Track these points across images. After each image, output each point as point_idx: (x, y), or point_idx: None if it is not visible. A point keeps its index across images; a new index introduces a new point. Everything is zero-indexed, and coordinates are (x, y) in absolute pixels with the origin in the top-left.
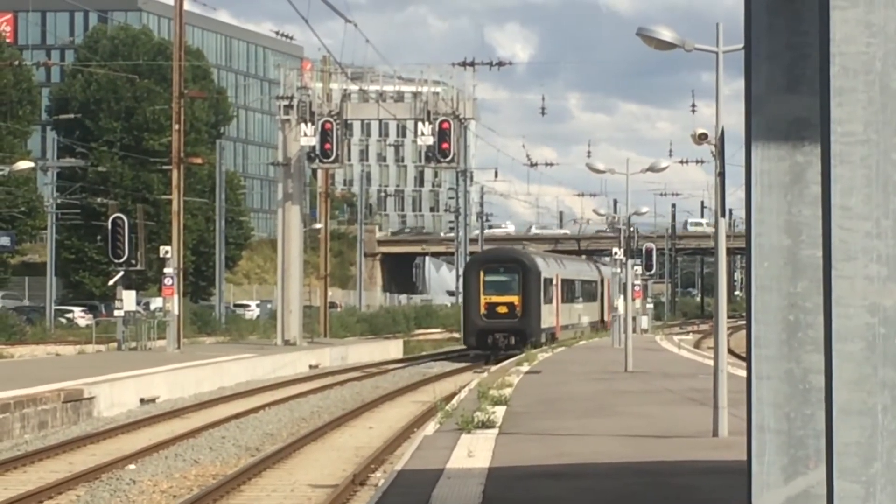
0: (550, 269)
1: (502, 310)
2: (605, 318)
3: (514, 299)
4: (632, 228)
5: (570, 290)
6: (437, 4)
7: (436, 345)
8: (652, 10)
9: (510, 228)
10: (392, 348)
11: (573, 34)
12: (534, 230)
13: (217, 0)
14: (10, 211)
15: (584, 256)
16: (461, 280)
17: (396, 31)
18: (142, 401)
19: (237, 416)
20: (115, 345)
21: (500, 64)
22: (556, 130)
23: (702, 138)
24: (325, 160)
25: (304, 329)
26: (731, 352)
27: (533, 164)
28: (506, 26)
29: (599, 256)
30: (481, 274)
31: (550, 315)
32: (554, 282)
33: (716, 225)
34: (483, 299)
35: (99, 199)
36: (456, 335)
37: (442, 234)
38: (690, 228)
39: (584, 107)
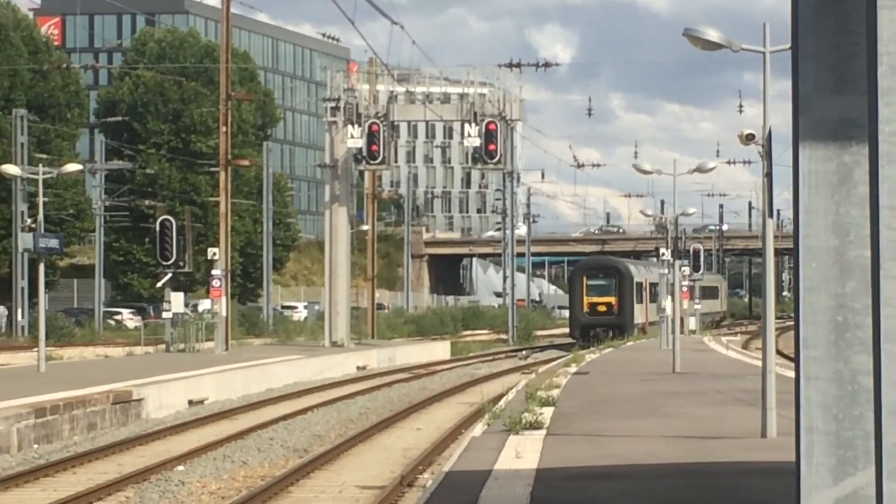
0: (640, 274)
1: (602, 308)
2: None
3: (612, 300)
4: (679, 228)
5: (655, 292)
6: (478, 5)
7: (483, 346)
8: (689, 10)
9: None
10: (439, 349)
11: (613, 35)
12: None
13: (259, 2)
14: (58, 213)
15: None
16: (567, 283)
17: (437, 32)
18: (190, 402)
19: (285, 417)
20: (163, 346)
21: (547, 65)
22: (599, 131)
23: (749, 139)
24: (371, 162)
25: (352, 330)
26: (779, 353)
27: (580, 165)
28: (545, 27)
29: (647, 257)
30: (584, 279)
31: (641, 312)
32: (643, 285)
33: (763, 226)
34: (586, 300)
35: (147, 202)
36: (503, 336)
37: (485, 235)
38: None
39: (627, 107)
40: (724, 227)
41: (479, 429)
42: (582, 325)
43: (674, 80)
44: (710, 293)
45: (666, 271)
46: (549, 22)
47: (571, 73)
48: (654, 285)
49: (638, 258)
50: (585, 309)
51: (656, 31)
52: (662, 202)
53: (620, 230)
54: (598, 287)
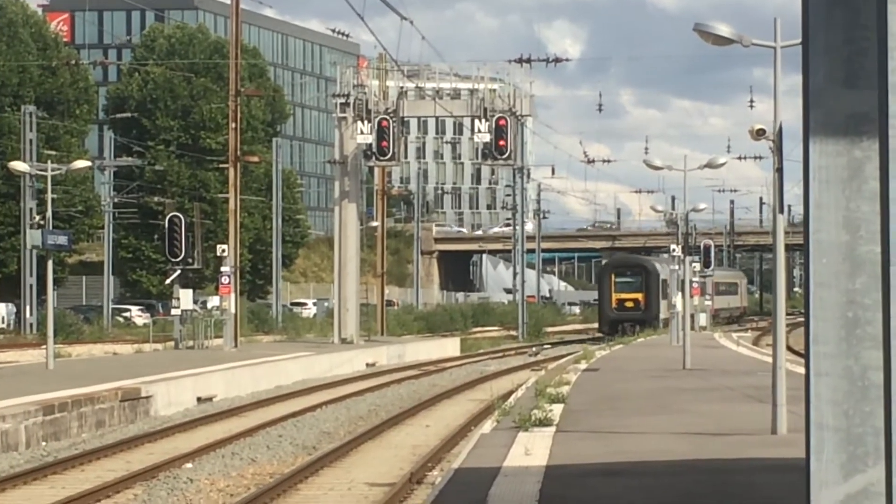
0: (665, 271)
1: (629, 304)
2: (711, 308)
3: (639, 296)
4: (690, 224)
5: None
6: (486, 1)
7: (493, 342)
8: (697, 5)
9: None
10: (449, 346)
11: (622, 30)
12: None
13: None
14: (67, 210)
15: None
16: (595, 281)
17: (446, 28)
18: (199, 399)
19: (294, 414)
20: (172, 343)
21: (557, 60)
22: (609, 127)
23: (759, 134)
24: (381, 158)
25: (361, 327)
26: (789, 349)
27: (590, 161)
28: (554, 23)
29: (658, 253)
30: (612, 276)
31: (666, 308)
32: (669, 282)
33: (774, 221)
34: (614, 296)
35: (156, 198)
36: (513, 332)
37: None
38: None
39: (637, 103)
40: (736, 222)
41: (488, 426)
42: (611, 320)
43: (683, 75)
44: (729, 289)
45: (677, 267)
46: (558, 17)
47: (581, 68)
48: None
49: (649, 254)
50: (614, 305)
51: (665, 27)
52: (673, 198)
53: (613, 227)
54: (625, 284)
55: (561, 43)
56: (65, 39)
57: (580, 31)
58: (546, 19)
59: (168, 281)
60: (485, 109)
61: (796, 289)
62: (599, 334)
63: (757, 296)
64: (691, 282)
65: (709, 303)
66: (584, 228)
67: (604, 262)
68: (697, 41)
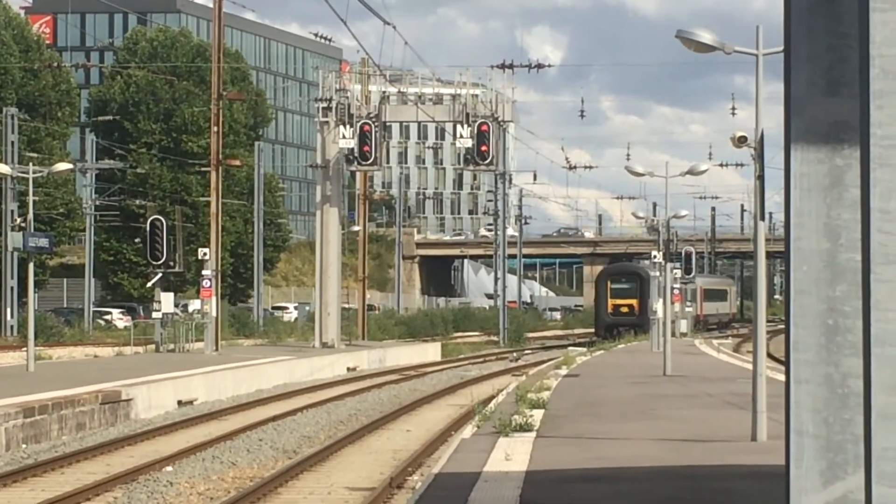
0: None
1: (625, 309)
2: (699, 313)
3: (634, 302)
4: (671, 231)
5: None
6: (467, 6)
7: (474, 347)
8: (677, 12)
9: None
10: (430, 351)
11: (602, 37)
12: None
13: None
14: (48, 213)
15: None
16: (592, 287)
17: (427, 33)
18: (179, 403)
19: (275, 418)
20: (153, 347)
21: (540, 66)
22: (589, 133)
23: (741, 141)
24: (363, 162)
25: (342, 332)
26: (770, 356)
27: (572, 167)
28: (534, 29)
29: (638, 259)
30: (608, 283)
31: None
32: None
33: (755, 228)
34: (610, 302)
35: (137, 201)
36: (494, 338)
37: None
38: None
39: (617, 109)
40: (717, 229)
41: (468, 431)
42: (606, 324)
43: (664, 82)
44: (719, 295)
45: (658, 274)
46: (538, 23)
47: (561, 74)
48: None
49: (630, 260)
50: (609, 310)
51: (645, 34)
52: (655, 204)
53: (579, 233)
54: (621, 290)
55: (541, 49)
56: (47, 42)
57: (560, 38)
58: (526, 25)
59: (149, 284)
60: (467, 115)
61: (777, 296)
62: (584, 339)
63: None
64: (672, 288)
65: (689, 309)
66: (549, 235)
67: (600, 268)
68: (677, 48)
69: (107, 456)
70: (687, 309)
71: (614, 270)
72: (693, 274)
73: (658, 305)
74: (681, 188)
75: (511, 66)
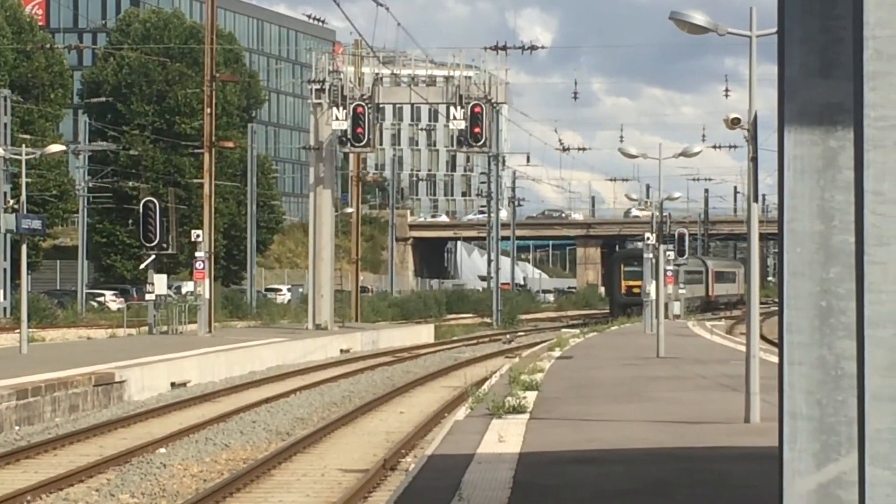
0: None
1: (637, 290)
2: (710, 294)
3: None
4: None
5: (686, 277)
6: None
7: (467, 329)
8: None
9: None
10: (423, 333)
11: (592, 18)
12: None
13: None
14: (41, 194)
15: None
16: (606, 269)
17: (417, 14)
18: (172, 385)
19: (268, 400)
20: (146, 329)
21: (533, 48)
22: (581, 115)
23: (735, 123)
24: (356, 144)
25: (336, 313)
26: (763, 338)
27: (565, 149)
28: (524, 11)
29: (633, 241)
30: (622, 265)
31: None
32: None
33: (748, 210)
34: (623, 283)
35: (130, 183)
36: (487, 320)
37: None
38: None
39: (609, 91)
40: (710, 210)
41: (462, 413)
42: (620, 304)
43: (655, 63)
44: (728, 277)
45: (651, 256)
46: (528, 5)
47: (552, 56)
48: (686, 272)
49: (623, 243)
50: (623, 291)
51: (635, 15)
52: (648, 186)
53: (563, 215)
54: (634, 272)
55: (531, 31)
56: (40, 23)
57: (550, 20)
58: (517, 7)
59: (142, 266)
60: (460, 97)
61: (770, 278)
62: (577, 322)
63: None
64: (665, 270)
65: (683, 291)
66: (532, 217)
67: (613, 253)
68: (668, 29)
69: (100, 438)
70: (681, 291)
71: (628, 255)
72: (687, 256)
73: (651, 287)
74: (674, 170)
75: (504, 48)
